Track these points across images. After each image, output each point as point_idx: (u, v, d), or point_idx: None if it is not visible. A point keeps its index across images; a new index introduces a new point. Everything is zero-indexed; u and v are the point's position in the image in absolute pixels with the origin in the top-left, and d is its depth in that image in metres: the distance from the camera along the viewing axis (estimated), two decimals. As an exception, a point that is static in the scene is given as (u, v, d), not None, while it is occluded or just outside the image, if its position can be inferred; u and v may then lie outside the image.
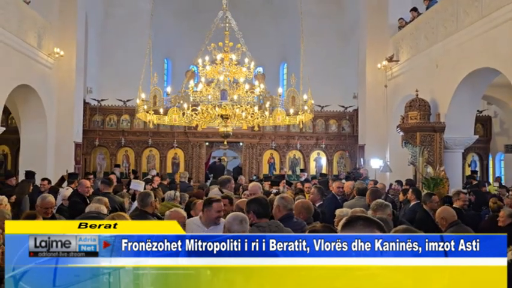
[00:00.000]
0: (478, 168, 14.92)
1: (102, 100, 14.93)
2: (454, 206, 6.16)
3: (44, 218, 4.66)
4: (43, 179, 8.90)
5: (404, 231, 2.35)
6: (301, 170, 14.44)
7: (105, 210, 4.68)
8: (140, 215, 4.71)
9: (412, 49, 12.44)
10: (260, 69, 15.77)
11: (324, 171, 15.04)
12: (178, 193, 6.98)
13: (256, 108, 8.86)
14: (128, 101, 14.58)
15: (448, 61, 10.36)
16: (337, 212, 5.04)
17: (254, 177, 13.97)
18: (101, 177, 12.11)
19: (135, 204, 6.86)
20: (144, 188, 8.28)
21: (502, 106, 14.00)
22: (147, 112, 9.28)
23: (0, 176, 12.74)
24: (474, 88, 10.14)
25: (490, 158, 15.11)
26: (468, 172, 14.13)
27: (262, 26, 16.93)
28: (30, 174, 10.14)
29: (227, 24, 9.19)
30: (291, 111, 9.26)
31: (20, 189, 7.85)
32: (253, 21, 16.01)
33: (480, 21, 8.96)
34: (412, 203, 6.78)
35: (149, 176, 11.76)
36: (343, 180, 11.02)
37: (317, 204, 6.04)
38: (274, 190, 8.49)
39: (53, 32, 12.83)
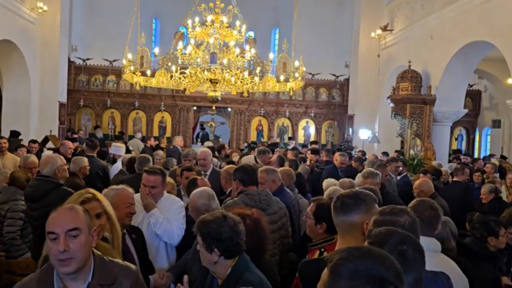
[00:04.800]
0: (464, 142, 15.03)
1: (87, 59, 14.47)
2: (455, 179, 6.19)
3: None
4: (33, 141, 8.58)
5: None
6: (290, 138, 14.37)
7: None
8: (136, 178, 4.40)
9: (408, 19, 12.18)
10: (251, 33, 15.32)
11: (312, 140, 14.99)
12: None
13: (246, 73, 8.66)
14: (114, 61, 14.17)
15: (443, 33, 10.18)
16: (325, 183, 4.98)
17: (245, 145, 13.86)
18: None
19: (116, 167, 6.68)
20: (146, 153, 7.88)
21: (493, 81, 13.93)
22: (134, 73, 9.02)
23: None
24: (467, 61, 10.03)
25: (477, 133, 15.19)
26: (454, 146, 14.22)
27: (255, -12, 16.36)
28: (15, 134, 9.84)
29: (219, -16, 8.83)
30: (282, 77, 9.08)
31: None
32: (246, -18, 15.46)
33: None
34: (402, 175, 6.96)
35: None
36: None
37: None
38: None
39: (35, -15, 12.23)
